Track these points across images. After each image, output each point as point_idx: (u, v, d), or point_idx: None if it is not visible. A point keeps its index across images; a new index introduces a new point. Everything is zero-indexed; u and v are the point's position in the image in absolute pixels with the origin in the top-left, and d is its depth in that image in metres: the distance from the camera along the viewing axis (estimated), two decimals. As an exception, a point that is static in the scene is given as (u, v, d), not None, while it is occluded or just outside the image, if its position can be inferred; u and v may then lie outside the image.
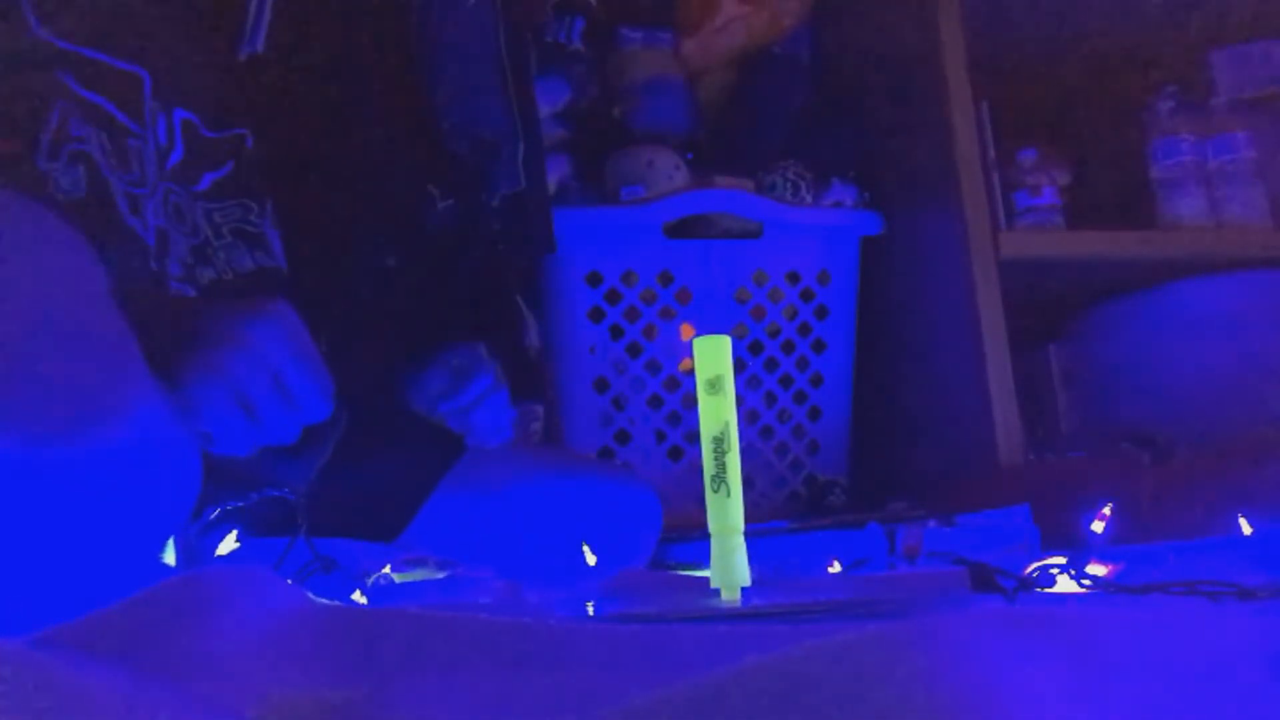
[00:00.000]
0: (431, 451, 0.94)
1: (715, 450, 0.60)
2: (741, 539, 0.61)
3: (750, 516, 0.62)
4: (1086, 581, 0.60)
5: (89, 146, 0.79)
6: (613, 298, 1.34)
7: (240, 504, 0.68)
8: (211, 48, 0.85)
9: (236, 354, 0.66)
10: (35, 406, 0.49)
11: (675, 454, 1.36)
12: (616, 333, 1.35)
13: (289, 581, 0.57)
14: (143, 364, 0.57)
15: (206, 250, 0.85)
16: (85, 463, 0.50)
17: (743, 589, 0.61)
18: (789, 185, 1.38)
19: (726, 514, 0.61)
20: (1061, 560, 0.61)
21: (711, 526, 0.61)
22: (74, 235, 0.56)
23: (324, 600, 0.49)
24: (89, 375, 0.52)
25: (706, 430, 0.61)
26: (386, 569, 0.67)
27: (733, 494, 0.60)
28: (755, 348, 1.40)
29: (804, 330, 1.41)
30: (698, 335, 0.63)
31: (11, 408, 0.48)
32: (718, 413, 0.61)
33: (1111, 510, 0.66)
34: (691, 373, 1.46)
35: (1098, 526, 0.66)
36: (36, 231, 0.55)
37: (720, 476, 0.60)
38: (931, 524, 1.01)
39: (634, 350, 1.36)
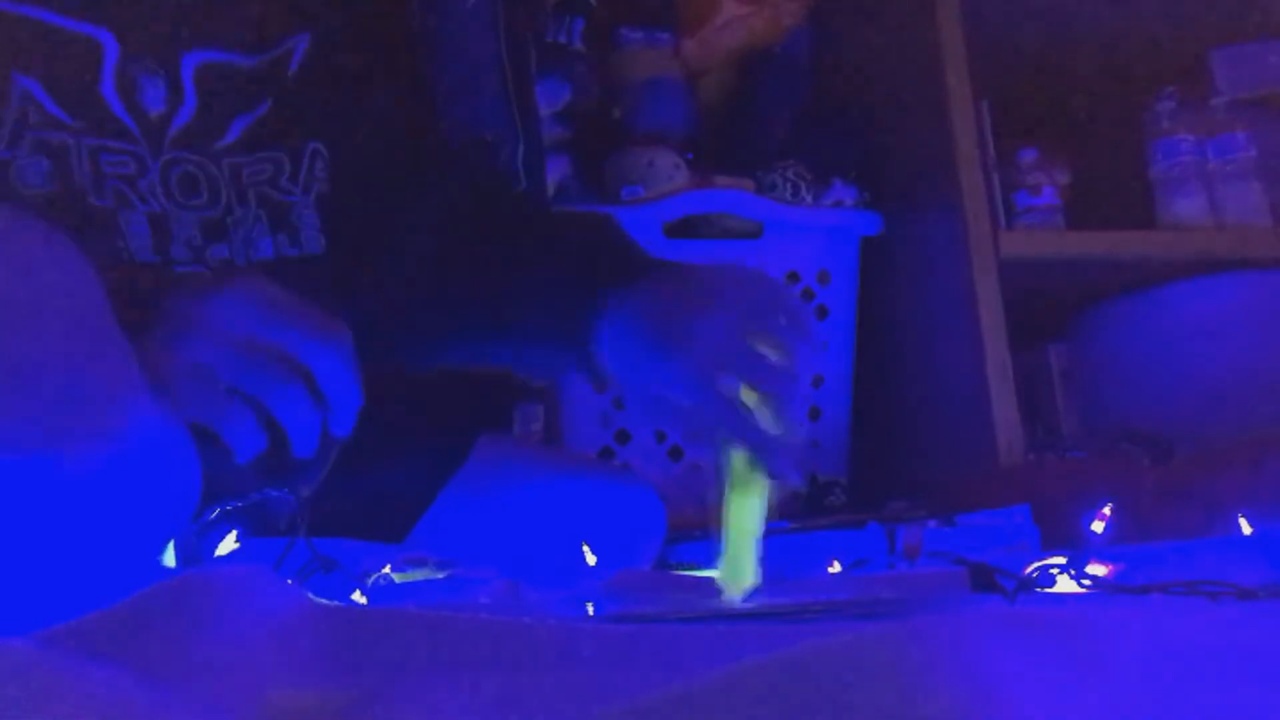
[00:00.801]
0: (435, 457, 0.94)
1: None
2: (758, 541, 0.62)
3: (750, 516, 0.63)
4: (1086, 581, 0.60)
5: (52, 133, 0.70)
6: (613, 298, 1.34)
7: (240, 504, 0.68)
8: None
9: (193, 335, 0.57)
10: (42, 421, 0.48)
11: (675, 454, 1.36)
12: (616, 333, 1.35)
13: (289, 581, 0.57)
14: (139, 371, 0.56)
15: (226, 222, 0.76)
16: (92, 476, 0.50)
17: (744, 589, 0.61)
18: (789, 185, 1.38)
19: (749, 515, 0.61)
20: (1061, 560, 0.61)
21: (730, 526, 0.61)
22: (67, 243, 0.55)
23: (324, 600, 0.49)
24: (93, 387, 0.51)
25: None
26: (386, 569, 0.67)
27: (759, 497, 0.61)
28: (755, 348, 1.40)
29: (804, 330, 1.41)
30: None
31: (17, 423, 0.47)
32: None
33: (1111, 510, 0.66)
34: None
35: (1098, 526, 0.66)
36: (31, 242, 0.53)
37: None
38: (931, 524, 1.01)
39: (634, 350, 1.36)
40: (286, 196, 0.78)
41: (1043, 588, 0.60)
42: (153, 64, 0.72)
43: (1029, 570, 0.61)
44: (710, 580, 0.63)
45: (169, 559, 0.62)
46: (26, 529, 0.48)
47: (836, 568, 0.84)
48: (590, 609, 0.60)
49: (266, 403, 0.59)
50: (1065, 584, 0.60)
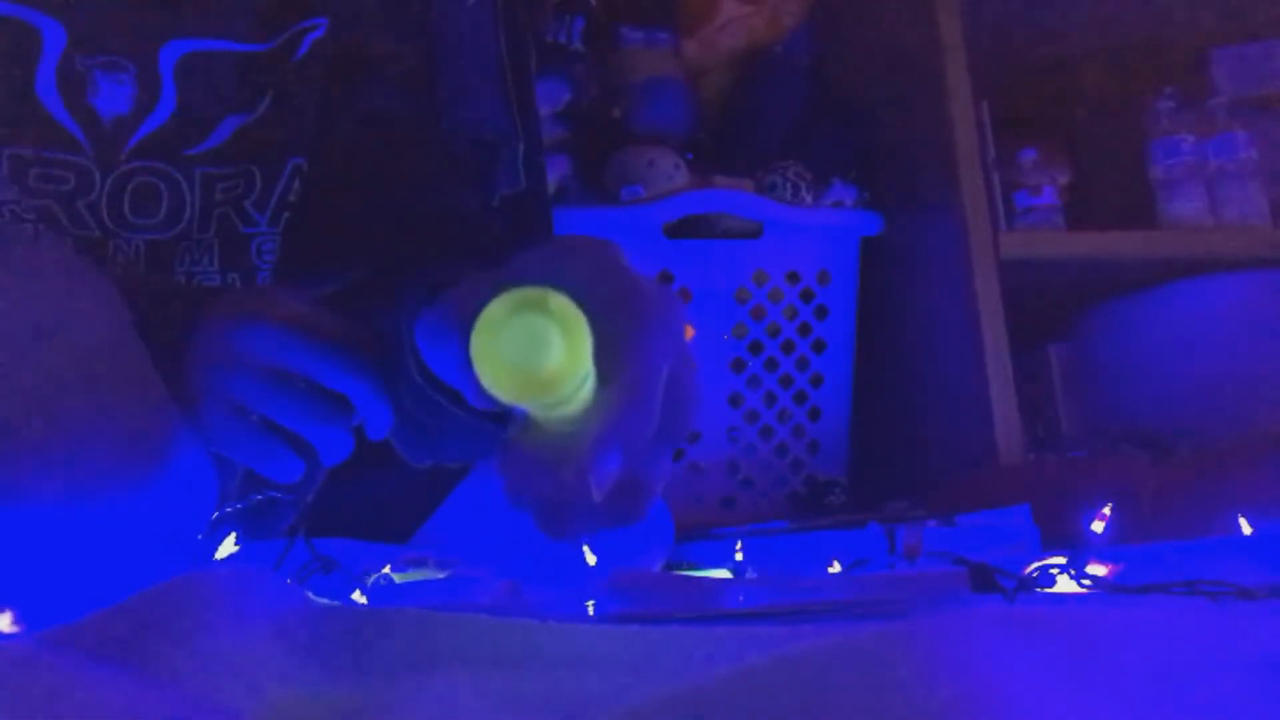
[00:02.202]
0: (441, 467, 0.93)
1: None
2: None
3: (750, 516, 0.62)
4: (1086, 581, 0.60)
5: None
6: (613, 298, 1.34)
7: (240, 505, 0.68)
8: None
9: (223, 366, 0.54)
10: (82, 469, 0.47)
11: (675, 454, 1.36)
12: (616, 333, 1.35)
13: (289, 581, 0.57)
14: (171, 406, 0.54)
15: (175, 248, 0.66)
16: (128, 520, 0.50)
17: (743, 589, 0.60)
18: (789, 185, 1.38)
19: None
20: (1061, 560, 0.61)
21: None
22: (96, 274, 0.53)
23: (324, 600, 0.49)
24: (132, 430, 0.50)
25: None
26: (386, 569, 0.67)
27: None
28: (755, 348, 1.40)
29: (804, 330, 1.41)
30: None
31: (57, 470, 0.46)
32: None
33: (1111, 510, 0.66)
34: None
35: (1098, 526, 0.66)
36: (62, 279, 0.50)
37: None
38: (931, 524, 1.01)
39: (634, 350, 1.36)
40: (248, 228, 0.69)
41: (1043, 588, 0.60)
42: (117, 59, 0.62)
43: (1029, 570, 0.61)
44: (710, 580, 0.63)
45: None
46: (59, 572, 0.48)
47: (836, 568, 0.84)
48: (590, 609, 0.60)
49: (302, 433, 0.58)
50: (1065, 584, 0.60)
